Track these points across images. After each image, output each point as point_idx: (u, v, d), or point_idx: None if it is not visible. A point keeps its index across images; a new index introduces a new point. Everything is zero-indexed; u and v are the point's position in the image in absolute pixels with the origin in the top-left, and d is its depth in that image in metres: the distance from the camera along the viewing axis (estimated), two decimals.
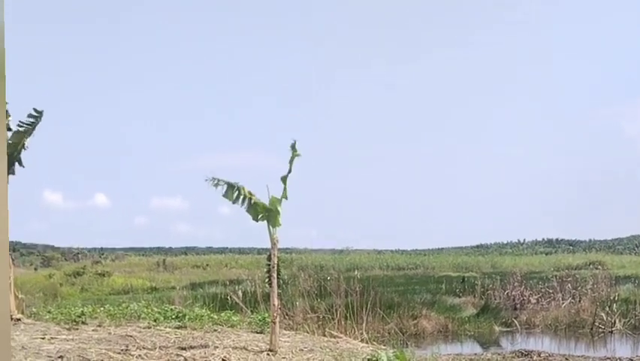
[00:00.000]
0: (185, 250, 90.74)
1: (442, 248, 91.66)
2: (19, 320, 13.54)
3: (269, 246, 12.99)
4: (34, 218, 76.98)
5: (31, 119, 13.42)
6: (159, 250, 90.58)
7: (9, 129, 12.72)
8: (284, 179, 12.94)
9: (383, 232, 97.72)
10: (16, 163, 13.40)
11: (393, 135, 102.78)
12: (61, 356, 10.90)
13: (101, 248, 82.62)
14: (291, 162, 12.90)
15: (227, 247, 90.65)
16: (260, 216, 12.69)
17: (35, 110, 13.58)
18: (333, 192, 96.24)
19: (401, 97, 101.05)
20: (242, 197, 12.65)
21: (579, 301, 24.66)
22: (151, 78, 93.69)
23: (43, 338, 12.13)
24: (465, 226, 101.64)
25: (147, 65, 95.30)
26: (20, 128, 13.24)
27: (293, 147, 12.87)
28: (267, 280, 13.37)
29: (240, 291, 22.44)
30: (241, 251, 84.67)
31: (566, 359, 14.64)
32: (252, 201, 12.63)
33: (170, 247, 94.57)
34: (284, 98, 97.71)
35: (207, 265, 65.18)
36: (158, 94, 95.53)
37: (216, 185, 12.66)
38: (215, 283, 34.07)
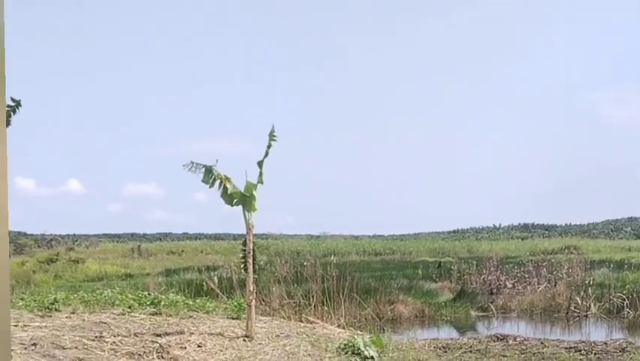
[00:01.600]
0: (161, 237, 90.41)
1: (419, 233, 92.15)
2: None
3: (245, 232, 12.88)
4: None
5: (8, 109, 13.19)
6: (134, 237, 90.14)
7: None
8: (260, 163, 12.83)
9: (360, 217, 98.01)
10: None
11: (369, 121, 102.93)
12: (34, 344, 10.75)
13: (75, 235, 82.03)
14: (268, 147, 12.78)
15: (203, 233, 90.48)
16: (235, 202, 12.59)
17: (12, 99, 13.34)
18: (309, 177, 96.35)
19: (377, 83, 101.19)
20: (218, 181, 12.54)
21: (555, 285, 24.77)
22: (127, 62, 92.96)
23: (16, 326, 11.96)
24: (441, 211, 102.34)
25: (123, 48, 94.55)
26: None
27: (271, 132, 12.76)
28: (242, 265, 13.27)
29: (215, 277, 22.31)
30: (217, 237, 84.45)
31: (542, 343, 14.64)
32: (227, 187, 12.52)
33: (145, 234, 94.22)
34: (261, 84, 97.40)
35: (183, 251, 64.93)
36: (134, 78, 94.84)
37: (194, 170, 12.53)
38: (190, 269, 33.91)
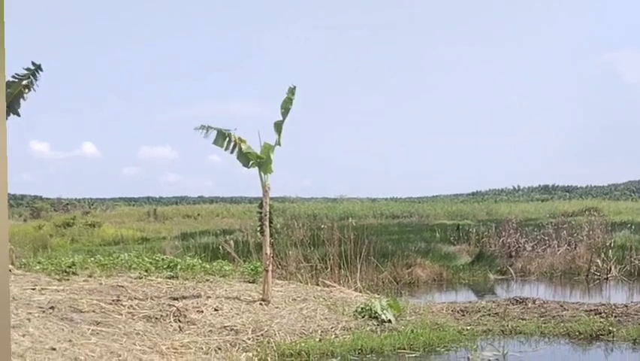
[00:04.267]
0: (176, 200, 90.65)
1: (437, 196, 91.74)
2: (9, 270, 13.36)
3: (261, 195, 12.77)
4: (22, 169, 76.70)
5: (27, 72, 13.12)
6: (149, 200, 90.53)
7: None
8: (278, 125, 12.64)
9: (377, 179, 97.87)
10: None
11: (386, 83, 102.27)
12: (52, 307, 10.76)
13: (91, 198, 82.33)
14: (286, 107, 12.59)
15: (218, 197, 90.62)
16: (251, 163, 12.45)
17: (33, 62, 13.25)
18: (325, 139, 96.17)
19: (394, 44, 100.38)
20: (232, 144, 12.40)
21: (575, 248, 24.53)
22: (141, 28, 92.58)
23: (33, 289, 11.99)
24: (460, 173, 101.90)
25: (137, 16, 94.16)
26: (15, 80, 12.97)
27: (291, 91, 12.54)
28: (259, 229, 13.19)
29: (231, 241, 22.27)
30: (233, 200, 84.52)
31: (561, 305, 14.52)
32: (243, 149, 12.38)
33: (161, 197, 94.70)
34: (275, 45, 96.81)
35: (198, 214, 64.96)
36: (148, 43, 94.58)
37: (206, 133, 12.40)
38: (206, 233, 33.86)
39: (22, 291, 11.76)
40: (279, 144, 12.69)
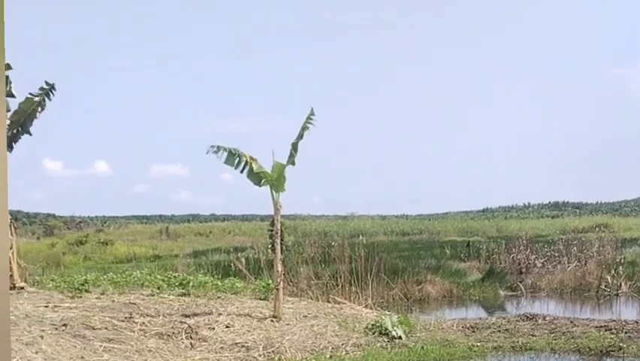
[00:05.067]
0: (188, 218, 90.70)
1: (447, 213, 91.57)
2: (22, 288, 13.52)
3: (272, 212, 12.88)
4: (35, 187, 76.86)
5: (41, 92, 13.30)
6: (162, 218, 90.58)
7: (12, 95, 12.60)
8: (294, 145, 12.74)
9: (387, 197, 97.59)
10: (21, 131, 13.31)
11: (396, 98, 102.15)
12: (65, 324, 10.86)
13: (104, 216, 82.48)
14: (303, 129, 12.71)
15: (230, 215, 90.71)
16: (262, 182, 12.56)
17: (46, 82, 13.44)
18: (335, 157, 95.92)
19: (401, 57, 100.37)
20: (243, 163, 12.51)
21: (585, 264, 24.51)
22: (150, 45, 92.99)
23: (46, 306, 12.09)
24: (470, 189, 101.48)
25: (146, 32, 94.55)
26: (31, 97, 13.14)
27: (309, 115, 12.66)
28: (270, 246, 13.29)
29: (243, 258, 22.36)
30: (244, 218, 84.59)
31: (571, 322, 14.54)
32: (254, 168, 12.49)
33: (173, 215, 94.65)
34: (284, 59, 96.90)
35: (210, 232, 65.08)
36: (157, 61, 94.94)
37: (216, 152, 12.52)
38: (218, 250, 33.95)
39: (35, 308, 11.87)
40: (293, 164, 12.79)
